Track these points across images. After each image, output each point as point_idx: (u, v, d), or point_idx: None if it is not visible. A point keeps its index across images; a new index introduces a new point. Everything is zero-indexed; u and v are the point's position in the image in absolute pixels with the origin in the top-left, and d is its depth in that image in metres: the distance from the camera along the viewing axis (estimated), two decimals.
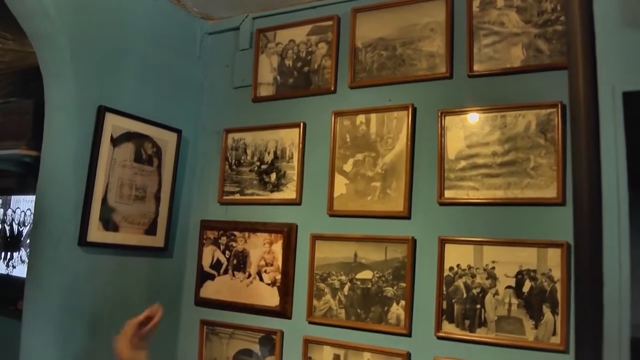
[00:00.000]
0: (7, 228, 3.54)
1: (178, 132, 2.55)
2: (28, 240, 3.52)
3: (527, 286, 1.87)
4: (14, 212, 3.59)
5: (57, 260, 2.12)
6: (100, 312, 2.25)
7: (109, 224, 2.26)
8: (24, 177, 3.37)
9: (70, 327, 2.15)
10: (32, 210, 3.53)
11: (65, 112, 2.18)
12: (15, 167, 3.01)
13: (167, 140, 2.50)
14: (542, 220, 1.88)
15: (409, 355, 2.03)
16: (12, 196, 3.42)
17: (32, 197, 3.47)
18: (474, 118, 2.04)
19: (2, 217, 3.49)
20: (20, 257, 3.58)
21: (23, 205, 3.58)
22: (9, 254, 3.54)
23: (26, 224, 3.63)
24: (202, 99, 2.74)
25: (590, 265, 1.68)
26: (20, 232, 3.62)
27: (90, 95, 2.21)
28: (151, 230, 2.44)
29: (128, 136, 2.34)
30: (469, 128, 2.04)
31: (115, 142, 2.28)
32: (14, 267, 3.58)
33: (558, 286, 1.81)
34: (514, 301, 1.88)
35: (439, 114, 2.09)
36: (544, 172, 1.89)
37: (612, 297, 1.72)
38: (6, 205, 3.49)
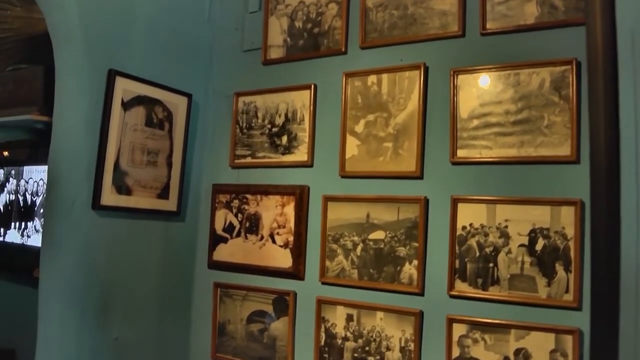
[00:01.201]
0: (21, 198, 3.58)
1: (188, 96, 2.54)
2: (42, 210, 3.56)
3: (540, 244, 1.87)
4: (27, 182, 3.62)
5: (71, 224, 2.15)
6: (115, 275, 2.28)
7: (121, 187, 2.27)
8: (36, 148, 3.40)
9: (86, 290, 2.18)
10: (45, 180, 3.56)
11: (76, 76, 2.17)
12: (27, 135, 3.03)
13: (177, 104, 2.50)
14: (556, 178, 1.87)
15: (421, 313, 2.04)
16: (25, 167, 3.45)
17: (44, 168, 3.50)
18: (486, 76, 2.01)
19: (15, 188, 3.53)
20: (35, 226, 3.62)
21: (35, 175, 3.61)
22: (23, 223, 3.58)
23: (39, 194, 3.66)
24: (212, 63, 2.72)
25: (608, 221, 1.67)
26: (33, 202, 3.65)
27: (100, 59, 2.21)
28: (164, 194, 2.46)
29: (139, 100, 2.34)
30: (481, 87, 2.02)
31: (126, 106, 2.28)
32: (28, 236, 3.62)
33: (571, 244, 1.81)
34: (527, 259, 1.88)
35: (452, 73, 2.06)
36: (558, 130, 1.87)
37: (629, 251, 1.72)
38: (19, 176, 3.52)
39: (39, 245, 3.47)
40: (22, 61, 2.87)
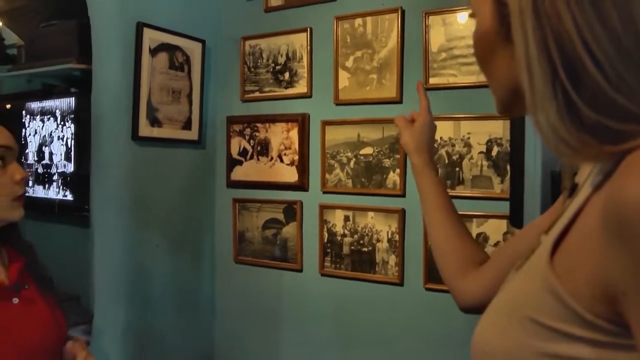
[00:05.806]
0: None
1: (202, 42, 2.94)
2: None
3: (495, 151, 2.33)
4: None
5: (116, 153, 2.57)
6: (153, 194, 2.74)
7: (154, 121, 2.72)
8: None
9: (132, 206, 2.63)
10: None
11: (109, 29, 2.54)
12: (63, 82, 3.42)
13: (193, 49, 2.91)
14: None
15: (403, 211, 2.53)
16: None
17: None
18: (452, 16, 2.40)
19: None
20: None
21: None
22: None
23: None
24: (221, 12, 3.08)
25: (519, 134, 2.17)
26: None
27: (129, 13, 2.58)
28: (187, 126, 2.90)
29: (162, 47, 2.74)
30: (448, 25, 2.41)
31: (152, 52, 2.69)
32: None
33: None
34: (485, 163, 2.35)
35: (424, 14, 2.45)
36: None
37: (530, 157, 2.20)
38: None
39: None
40: (51, 18, 3.23)
